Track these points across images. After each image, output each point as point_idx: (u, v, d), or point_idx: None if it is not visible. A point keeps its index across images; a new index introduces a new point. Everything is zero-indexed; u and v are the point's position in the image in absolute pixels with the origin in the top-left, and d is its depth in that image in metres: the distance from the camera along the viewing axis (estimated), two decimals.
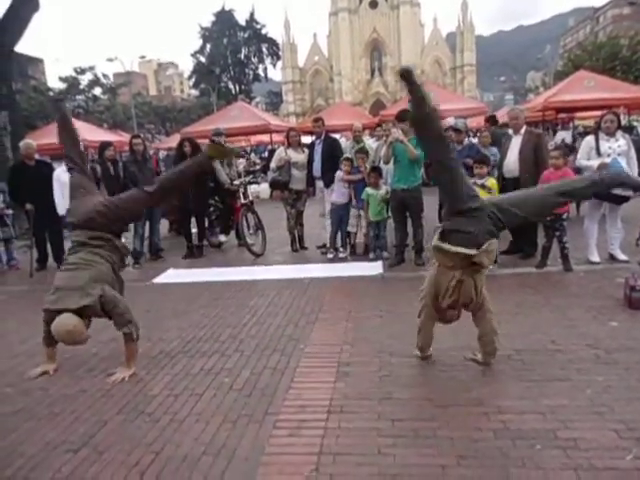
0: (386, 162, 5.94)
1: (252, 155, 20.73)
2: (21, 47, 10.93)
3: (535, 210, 3.12)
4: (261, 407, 2.82)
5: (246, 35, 63.78)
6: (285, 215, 7.01)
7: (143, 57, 45.45)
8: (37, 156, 7.30)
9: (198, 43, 64.63)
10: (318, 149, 6.71)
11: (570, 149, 9.52)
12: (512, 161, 5.66)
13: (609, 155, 5.14)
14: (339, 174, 6.33)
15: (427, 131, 2.89)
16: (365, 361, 3.33)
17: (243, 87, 62.19)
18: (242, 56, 63.50)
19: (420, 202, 5.79)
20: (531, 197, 3.11)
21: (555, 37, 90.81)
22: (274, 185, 7.06)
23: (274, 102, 70.28)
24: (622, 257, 5.30)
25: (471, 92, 60.11)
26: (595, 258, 5.34)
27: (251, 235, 7.15)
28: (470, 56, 66.24)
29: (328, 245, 6.48)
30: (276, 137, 18.21)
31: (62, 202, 6.35)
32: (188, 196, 6.98)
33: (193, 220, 7.25)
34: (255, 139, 22.95)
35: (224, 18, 62.09)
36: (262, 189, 12.74)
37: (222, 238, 7.66)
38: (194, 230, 7.31)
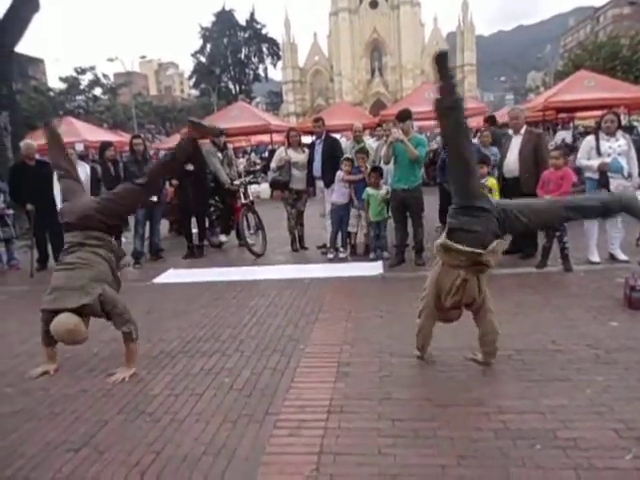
0: (386, 162, 5.94)
1: (252, 155, 20.75)
2: (21, 47, 10.96)
3: (539, 220, 3.07)
4: (261, 407, 2.82)
5: (246, 35, 63.78)
6: (285, 215, 7.01)
7: (143, 57, 45.48)
8: (37, 156, 7.30)
9: (198, 43, 64.85)
10: (318, 149, 6.72)
11: (570, 149, 9.53)
12: (512, 161, 5.66)
13: (609, 155, 5.14)
14: (339, 174, 6.33)
15: (450, 119, 2.87)
16: (365, 361, 3.33)
17: (243, 87, 62.19)
18: (242, 56, 63.50)
19: (420, 202, 5.79)
20: (538, 207, 3.07)
21: (555, 37, 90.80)
22: (274, 185, 7.07)
23: (274, 102, 70.29)
24: (622, 257, 5.31)
25: (471, 92, 60.07)
26: (595, 258, 5.34)
27: (251, 235, 7.15)
28: (470, 56, 66.24)
29: (328, 245, 6.49)
30: (276, 137, 18.21)
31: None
32: (189, 196, 6.99)
33: (193, 220, 7.26)
34: (255, 139, 22.96)
35: (224, 18, 62.09)
36: (262, 189, 12.75)
37: (222, 238, 7.67)
38: (194, 230, 7.31)
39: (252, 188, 8.18)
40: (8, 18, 10.14)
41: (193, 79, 63.42)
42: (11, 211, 6.97)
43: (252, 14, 63.60)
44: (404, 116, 5.66)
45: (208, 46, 62.22)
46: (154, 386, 3.18)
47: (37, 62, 49.11)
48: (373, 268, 5.78)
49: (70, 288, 3.21)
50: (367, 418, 2.65)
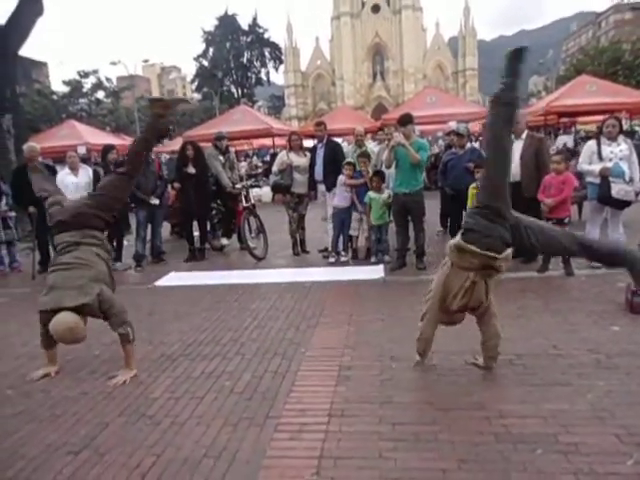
0: (388, 166, 5.95)
1: (254, 158, 20.80)
2: (25, 51, 11.00)
3: (548, 247, 3.02)
4: (262, 410, 2.82)
5: (249, 39, 64.02)
6: (287, 219, 7.02)
7: (146, 61, 45.77)
8: (40, 159, 7.33)
9: (201, 47, 64.98)
10: (320, 153, 6.73)
11: (572, 153, 9.53)
12: (513, 165, 5.63)
13: (611, 160, 5.15)
14: (341, 178, 6.34)
15: (503, 114, 2.89)
16: (366, 365, 3.33)
17: (245, 91, 62.37)
18: (245, 60, 63.72)
19: (422, 206, 5.80)
20: (551, 234, 3.00)
21: (557, 42, 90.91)
22: (276, 189, 7.09)
23: (276, 106, 70.46)
24: None
25: (473, 96, 60.18)
26: (597, 262, 5.33)
27: (253, 238, 7.16)
28: (472, 60, 66.37)
29: (330, 249, 6.49)
30: (278, 141, 18.25)
31: None
32: (190, 199, 7.01)
33: (195, 223, 7.27)
34: (257, 143, 23.03)
35: (227, 22, 62.35)
36: (264, 192, 12.77)
37: (224, 241, 7.68)
38: (196, 233, 7.32)
39: (254, 191, 8.19)
40: (12, 22, 10.20)
41: (195, 83, 63.64)
42: (13, 213, 6.99)
43: (255, 18, 63.93)
44: (405, 120, 5.67)
45: (211, 50, 62.46)
46: (155, 389, 3.18)
47: (41, 65, 49.33)
48: (374, 272, 5.78)
49: (69, 287, 3.20)
50: (368, 422, 2.64)
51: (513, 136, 5.86)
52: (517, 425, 2.52)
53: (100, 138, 15.36)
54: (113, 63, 35.59)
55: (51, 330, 3.17)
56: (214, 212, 7.70)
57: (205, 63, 62.33)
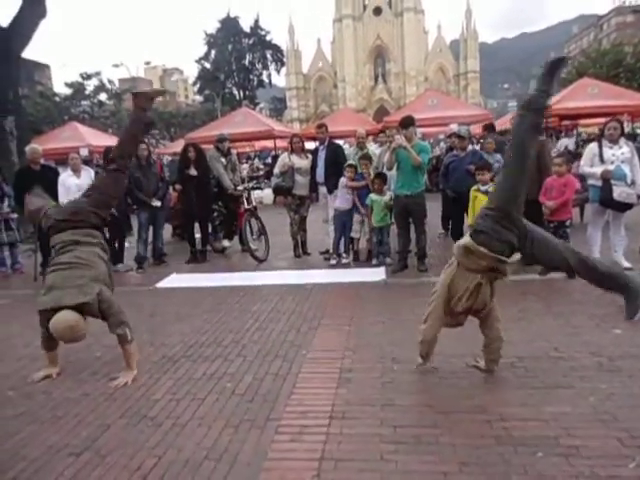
0: (389, 168, 5.96)
1: (256, 161, 20.82)
2: (28, 53, 11.03)
3: (549, 261, 3.01)
4: (263, 412, 2.82)
5: (251, 42, 64.20)
6: (288, 221, 7.03)
7: (148, 63, 46.12)
8: (42, 161, 7.35)
9: (203, 49, 65.13)
10: (322, 155, 6.74)
11: (573, 156, 9.53)
12: None
13: (612, 162, 5.14)
14: (343, 180, 6.35)
15: (531, 119, 2.91)
16: (367, 367, 3.33)
17: (247, 93, 62.50)
18: (246, 62, 63.90)
19: (423, 208, 5.80)
20: (557, 248, 3.00)
21: (559, 44, 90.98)
22: (277, 191, 7.09)
23: (278, 108, 70.59)
24: (625, 264, 5.29)
25: (475, 99, 60.21)
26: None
27: (254, 240, 7.17)
28: (474, 63, 66.40)
29: (331, 251, 6.49)
30: (280, 143, 18.28)
31: None
32: (192, 201, 7.02)
33: (196, 225, 7.28)
34: (259, 145, 23.05)
35: (229, 25, 62.54)
36: (265, 194, 12.80)
37: (225, 243, 7.69)
38: (197, 235, 7.33)
39: (255, 193, 8.21)
40: (15, 24, 10.24)
41: (197, 85, 63.80)
42: (15, 215, 7.01)
43: (256, 21, 64.15)
44: (407, 123, 5.68)
45: (213, 52, 62.64)
46: (156, 390, 3.18)
47: (43, 67, 49.48)
48: (375, 274, 5.78)
49: (68, 287, 3.20)
50: (369, 424, 2.64)
51: None
52: (518, 428, 2.52)
53: (102, 140, 15.38)
54: (115, 65, 35.85)
55: (51, 328, 3.16)
56: (215, 214, 7.71)
57: (207, 65, 62.50)
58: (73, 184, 6.52)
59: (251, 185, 7.76)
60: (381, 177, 6.18)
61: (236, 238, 7.66)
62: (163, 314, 4.82)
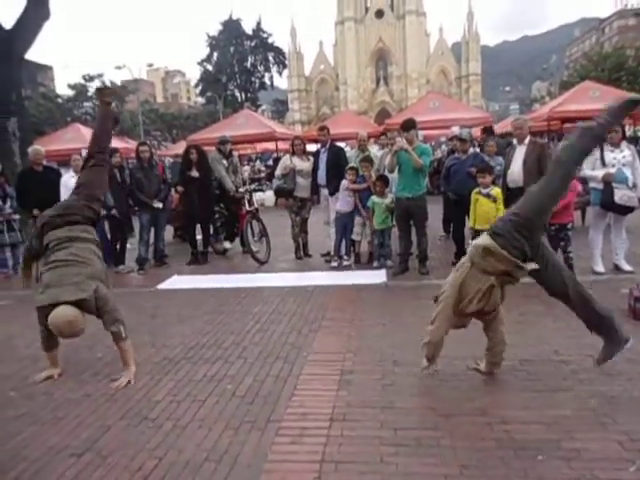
0: (390, 171, 5.96)
1: (257, 163, 20.85)
2: (31, 54, 11.05)
3: (550, 281, 2.99)
4: (264, 414, 2.83)
5: (253, 44, 64.33)
6: (289, 223, 7.04)
7: (151, 65, 46.04)
8: (45, 162, 7.38)
9: (205, 51, 65.34)
10: (323, 157, 6.75)
11: None
12: (516, 171, 5.66)
13: (614, 165, 5.15)
14: (344, 183, 6.36)
15: (587, 143, 2.98)
16: (368, 369, 3.33)
17: (249, 95, 62.61)
18: (248, 64, 64.00)
19: (424, 211, 5.80)
20: (560, 270, 3.00)
21: (561, 47, 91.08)
22: (279, 193, 7.10)
23: (280, 110, 70.70)
24: (627, 268, 5.29)
25: (476, 101, 60.25)
26: (600, 268, 5.32)
27: (255, 242, 7.18)
28: (475, 66, 66.48)
29: (332, 253, 6.50)
30: (282, 145, 18.30)
31: None
32: (193, 202, 7.04)
33: (198, 227, 7.29)
34: (261, 147, 23.07)
35: (231, 27, 62.68)
36: (267, 197, 12.81)
37: (227, 245, 7.69)
38: (199, 237, 7.34)
39: (257, 195, 8.22)
40: (19, 26, 10.27)
41: (199, 87, 63.95)
42: (18, 216, 7.03)
43: (259, 23, 64.29)
44: (408, 125, 5.69)
45: (215, 54, 62.78)
46: (157, 392, 3.19)
47: (46, 69, 49.69)
48: (377, 276, 5.79)
49: (65, 284, 3.21)
50: (369, 426, 2.64)
51: (516, 141, 5.91)
52: (519, 431, 2.52)
53: None
54: (118, 67, 35.88)
55: (50, 324, 3.16)
56: (217, 216, 7.72)
57: (209, 67, 62.64)
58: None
59: (252, 187, 7.77)
60: (383, 180, 6.19)
61: (237, 240, 7.67)
62: (164, 315, 4.83)
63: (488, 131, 8.55)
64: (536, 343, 3.61)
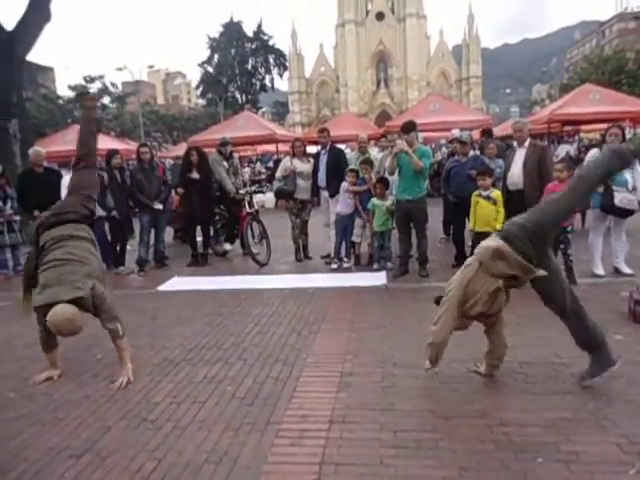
0: (391, 173, 5.97)
1: (258, 164, 20.88)
2: (32, 56, 11.08)
3: (549, 290, 3.01)
4: (263, 416, 2.83)
5: (253, 46, 64.47)
6: (290, 225, 7.04)
7: (151, 67, 46.06)
8: (45, 163, 7.39)
9: (206, 53, 65.46)
10: (323, 159, 6.76)
11: (575, 162, 9.53)
12: (516, 174, 5.67)
13: None
14: (344, 185, 6.36)
15: (614, 166, 3.00)
16: (368, 372, 3.33)
17: (250, 97, 62.72)
18: (249, 66, 64.14)
19: (424, 213, 5.81)
20: (562, 283, 3.02)
21: (561, 50, 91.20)
22: (279, 195, 7.11)
23: (280, 112, 70.80)
24: (627, 270, 5.29)
25: (477, 104, 60.36)
26: (600, 271, 5.33)
27: (256, 244, 7.18)
28: (476, 68, 66.63)
29: (332, 255, 6.50)
30: (282, 147, 18.32)
31: None
32: (194, 204, 7.04)
33: (198, 228, 7.30)
34: (261, 149, 23.11)
35: (232, 29, 62.82)
36: (267, 198, 12.81)
37: (227, 247, 7.69)
38: (199, 238, 7.35)
39: (257, 197, 8.22)
40: (20, 28, 10.30)
41: (200, 89, 64.07)
42: (18, 217, 7.04)
43: (259, 25, 64.44)
44: (409, 127, 5.70)
45: (215, 56, 62.91)
46: (157, 393, 3.19)
47: (47, 70, 49.77)
48: (377, 278, 5.79)
49: (63, 284, 3.21)
50: (369, 428, 2.65)
51: (516, 144, 5.92)
52: (518, 433, 2.52)
53: (105, 143, 15.35)
54: (119, 69, 35.97)
55: (49, 322, 3.16)
56: (217, 217, 7.72)
57: (210, 69, 62.76)
58: None
59: (253, 189, 7.78)
60: (383, 182, 6.19)
61: (237, 241, 7.67)
62: (164, 317, 4.83)
63: (487, 133, 8.56)
64: (535, 346, 3.61)
